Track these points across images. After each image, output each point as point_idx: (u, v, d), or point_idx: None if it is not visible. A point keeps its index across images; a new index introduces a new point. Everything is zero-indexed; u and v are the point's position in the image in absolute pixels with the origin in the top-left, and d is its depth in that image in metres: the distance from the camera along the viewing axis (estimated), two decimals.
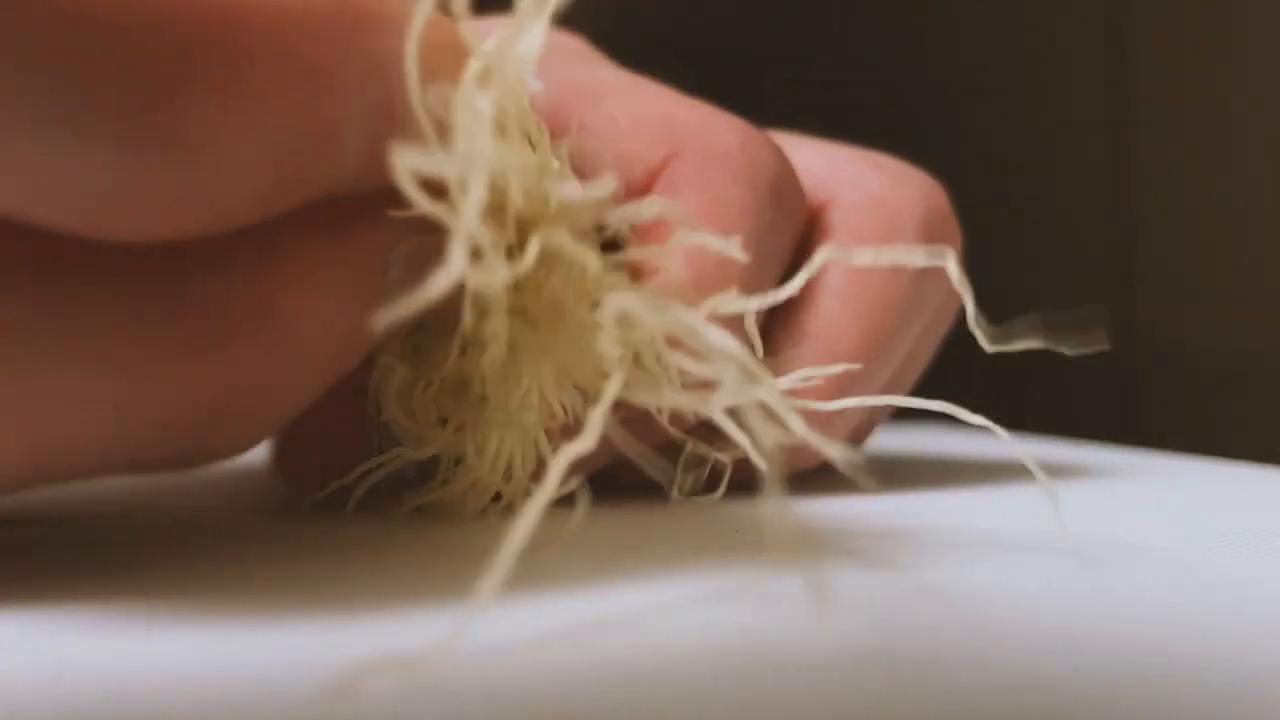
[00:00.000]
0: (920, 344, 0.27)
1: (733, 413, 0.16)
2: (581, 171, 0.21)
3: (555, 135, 0.20)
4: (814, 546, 0.19)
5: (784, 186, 0.24)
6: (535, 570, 0.16)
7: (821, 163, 0.27)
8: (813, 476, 0.26)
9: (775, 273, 0.24)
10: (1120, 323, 0.50)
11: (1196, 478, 0.30)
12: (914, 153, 0.29)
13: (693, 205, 0.23)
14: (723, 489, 0.22)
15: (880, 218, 0.26)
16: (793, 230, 0.25)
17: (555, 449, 0.17)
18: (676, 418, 0.20)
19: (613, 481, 0.23)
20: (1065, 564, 0.18)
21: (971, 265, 0.28)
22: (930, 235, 0.26)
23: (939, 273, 0.26)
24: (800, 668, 0.13)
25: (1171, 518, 0.23)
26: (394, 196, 0.14)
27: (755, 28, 0.60)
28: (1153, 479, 0.30)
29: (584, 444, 0.13)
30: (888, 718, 0.11)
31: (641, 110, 0.24)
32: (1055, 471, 0.30)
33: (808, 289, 0.25)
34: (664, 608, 0.15)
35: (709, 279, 0.22)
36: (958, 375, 0.29)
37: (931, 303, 0.26)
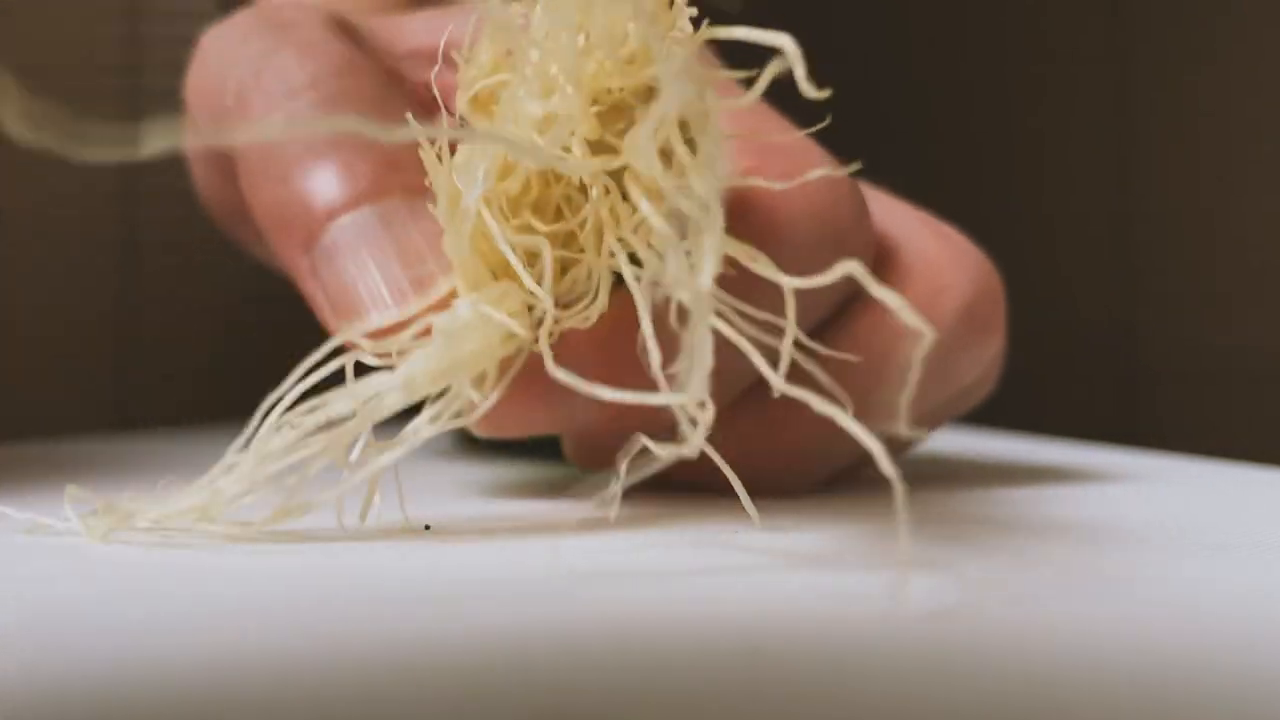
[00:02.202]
0: (934, 415, 0.27)
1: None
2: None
3: None
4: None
5: (852, 240, 0.23)
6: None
7: (882, 216, 0.26)
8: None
9: (807, 320, 0.23)
10: (1122, 325, 0.50)
11: (1199, 479, 0.30)
12: (915, 157, 0.29)
13: (755, 222, 0.22)
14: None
15: (926, 284, 0.25)
16: (844, 285, 0.24)
17: None
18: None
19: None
20: (1068, 565, 0.18)
21: None
22: (974, 315, 0.26)
23: (969, 356, 0.26)
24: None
25: (1173, 518, 0.24)
26: None
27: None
28: (1156, 480, 0.30)
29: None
30: (873, 714, 0.11)
31: (740, 122, 0.23)
32: (1059, 473, 0.30)
33: (839, 330, 0.24)
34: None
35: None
36: None
37: (958, 382, 0.26)
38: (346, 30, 0.26)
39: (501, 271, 0.20)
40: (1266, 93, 0.45)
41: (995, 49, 0.57)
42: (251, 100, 0.24)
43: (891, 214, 0.27)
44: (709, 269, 0.16)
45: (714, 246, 0.16)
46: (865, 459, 0.27)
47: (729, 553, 0.19)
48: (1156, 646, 0.14)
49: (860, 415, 0.23)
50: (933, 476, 0.30)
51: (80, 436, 0.40)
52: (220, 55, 0.25)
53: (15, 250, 0.44)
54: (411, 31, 0.26)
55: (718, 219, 0.17)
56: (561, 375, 0.18)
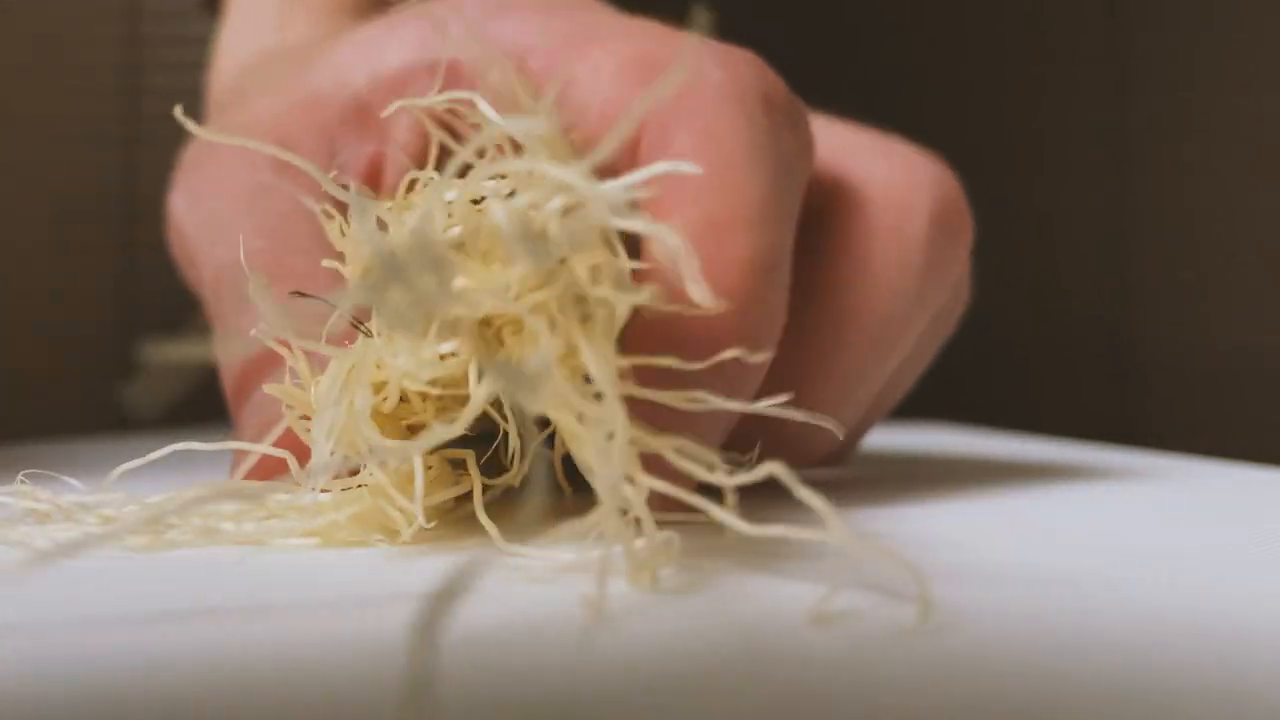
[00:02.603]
0: (922, 345, 0.27)
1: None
2: (572, 127, 0.22)
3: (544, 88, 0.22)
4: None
5: (775, 98, 0.23)
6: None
7: (828, 150, 0.26)
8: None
9: (796, 190, 0.23)
10: (1119, 324, 0.50)
11: (1194, 478, 0.30)
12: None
13: (685, 140, 0.22)
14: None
15: (890, 210, 0.25)
16: (801, 142, 0.24)
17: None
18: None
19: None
20: (1067, 564, 0.18)
21: (971, 271, 0.28)
22: (940, 227, 0.26)
23: (945, 271, 0.26)
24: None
25: (1172, 518, 0.24)
26: None
27: (759, 28, 0.60)
28: (1151, 480, 0.30)
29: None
30: (879, 714, 0.11)
31: (623, 55, 0.23)
32: (1053, 473, 0.30)
33: (808, 282, 0.25)
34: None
35: (724, 215, 0.21)
36: (961, 377, 0.29)
37: (935, 301, 0.26)
38: (293, 119, 0.26)
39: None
40: (1263, 92, 0.45)
41: (994, 47, 0.57)
42: (204, 292, 0.27)
43: (833, 143, 0.27)
44: (617, 467, 0.16)
45: (621, 445, 0.16)
46: (861, 427, 0.27)
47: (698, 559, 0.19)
48: (1150, 650, 0.14)
49: (833, 350, 0.24)
50: (925, 475, 0.30)
51: (80, 436, 0.40)
52: (183, 237, 0.28)
53: (15, 251, 0.44)
54: (355, 64, 0.26)
55: (618, 412, 0.17)
56: (483, 519, 0.19)
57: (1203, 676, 0.12)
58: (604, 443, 0.16)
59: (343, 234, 0.20)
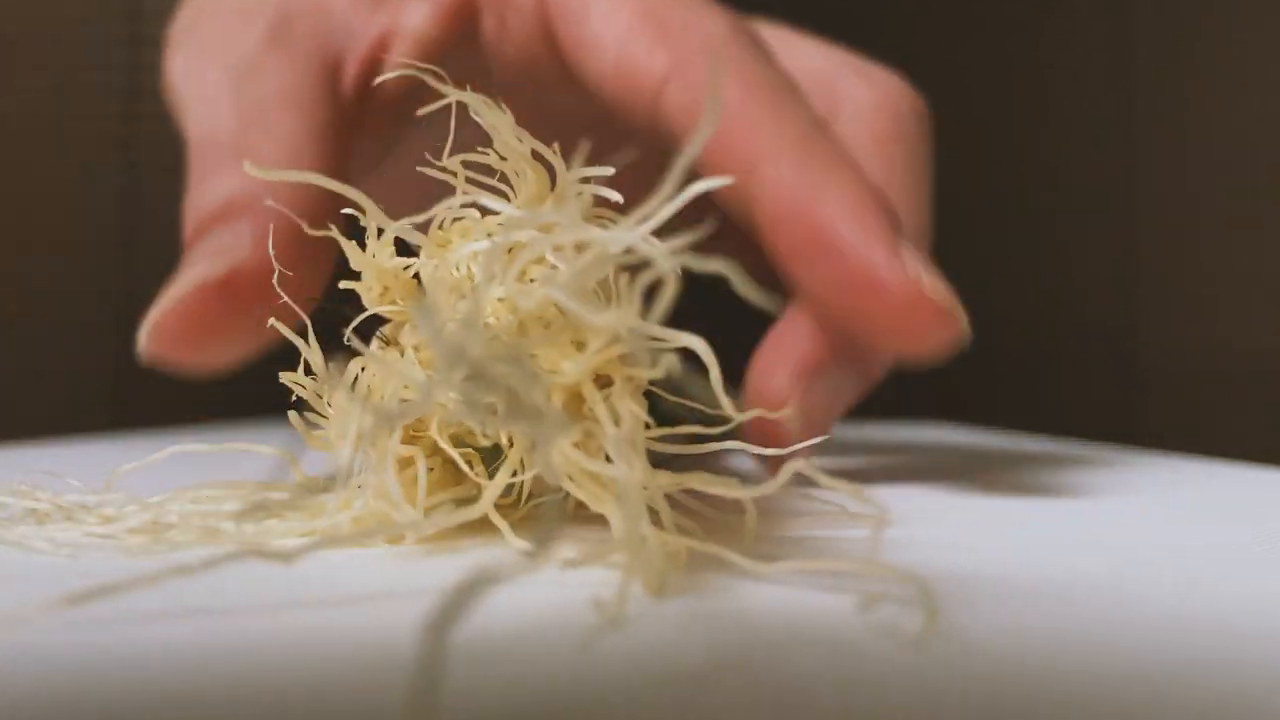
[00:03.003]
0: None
1: None
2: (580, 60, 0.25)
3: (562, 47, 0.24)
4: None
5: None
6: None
7: (818, 71, 0.29)
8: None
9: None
10: (1123, 326, 0.50)
11: (1200, 478, 0.30)
12: None
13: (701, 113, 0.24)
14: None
15: (888, 121, 0.28)
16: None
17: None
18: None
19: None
20: (1070, 564, 0.18)
21: (974, 270, 0.29)
22: (920, 130, 0.29)
23: (928, 170, 0.29)
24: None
25: (1175, 517, 0.24)
26: None
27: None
28: (1156, 479, 0.30)
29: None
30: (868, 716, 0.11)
31: (641, 5, 0.25)
32: (1059, 471, 0.30)
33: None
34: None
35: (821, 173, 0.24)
36: (965, 379, 0.29)
37: (929, 196, 0.29)
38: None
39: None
40: (1267, 96, 0.45)
41: (999, 54, 0.57)
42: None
43: (820, 63, 0.29)
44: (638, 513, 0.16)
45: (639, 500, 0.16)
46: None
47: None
48: (1153, 650, 0.14)
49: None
50: (927, 476, 0.30)
51: (80, 436, 0.40)
52: (176, 100, 0.28)
53: (15, 250, 0.44)
54: None
55: (637, 474, 0.17)
56: (494, 517, 0.19)
57: (1207, 676, 0.12)
58: (622, 498, 0.16)
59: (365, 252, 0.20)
